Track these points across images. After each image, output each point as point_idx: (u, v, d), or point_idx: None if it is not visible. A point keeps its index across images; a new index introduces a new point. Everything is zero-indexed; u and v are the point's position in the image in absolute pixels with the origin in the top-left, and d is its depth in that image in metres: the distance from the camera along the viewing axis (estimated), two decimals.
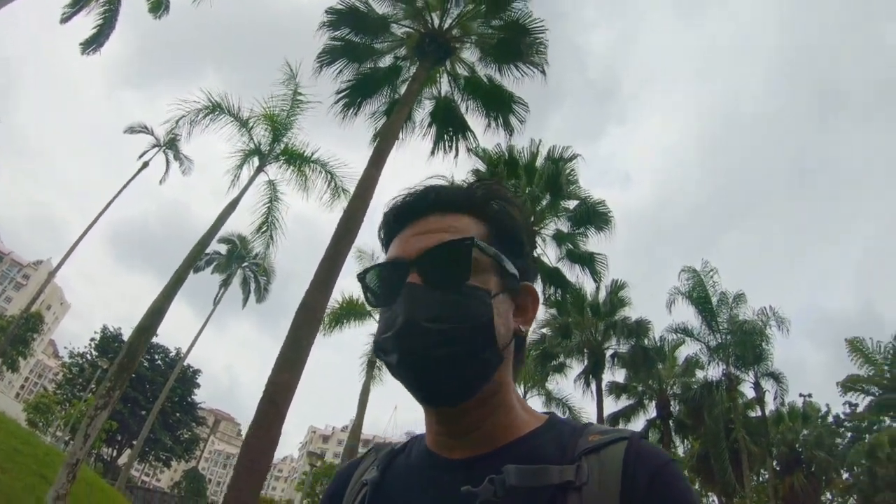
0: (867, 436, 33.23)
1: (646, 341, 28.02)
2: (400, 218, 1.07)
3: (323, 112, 16.33)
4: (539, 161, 20.94)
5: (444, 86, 16.25)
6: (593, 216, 20.80)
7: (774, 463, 29.66)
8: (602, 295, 27.87)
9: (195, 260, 16.87)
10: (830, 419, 36.43)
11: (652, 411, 30.69)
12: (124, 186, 30.01)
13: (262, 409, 8.86)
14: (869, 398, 33.29)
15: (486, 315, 0.95)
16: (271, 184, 19.22)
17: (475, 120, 16.27)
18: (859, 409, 34.87)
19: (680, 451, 32.26)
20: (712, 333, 26.99)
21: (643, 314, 29.29)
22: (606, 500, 0.84)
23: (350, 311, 24.94)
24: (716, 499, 32.63)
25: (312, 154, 18.28)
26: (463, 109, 16.29)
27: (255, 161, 18.77)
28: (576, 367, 28.40)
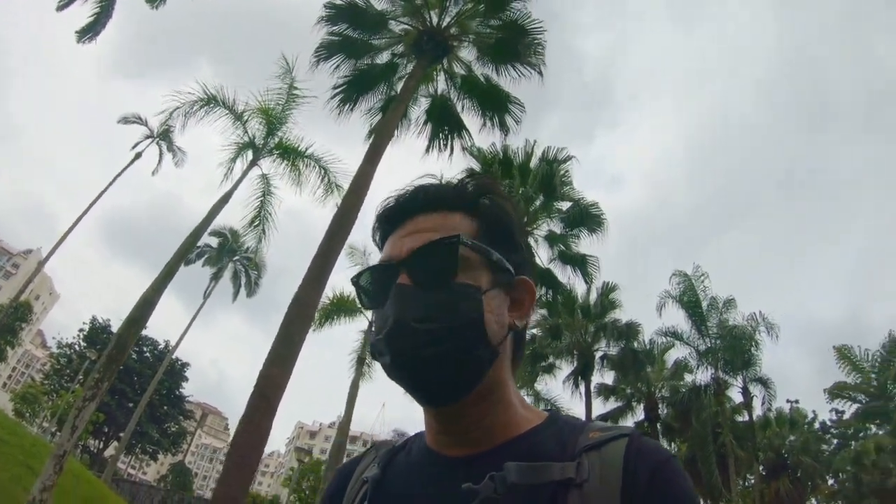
0: (853, 443, 33.50)
1: (635, 344, 28.07)
2: (391, 219, 1.07)
3: (318, 107, 16.31)
4: (533, 162, 20.93)
5: (441, 84, 16.21)
6: (586, 218, 20.83)
7: (761, 468, 29.84)
8: (593, 297, 27.90)
9: (187, 252, 16.82)
10: (817, 425, 36.74)
11: (640, 414, 30.74)
12: (116, 177, 29.95)
13: (253, 404, 8.80)
14: (856, 405, 33.60)
15: (476, 312, 0.95)
16: (265, 178, 19.21)
17: (471, 119, 16.26)
18: (846, 416, 35.19)
19: None
20: (702, 338, 27.11)
21: (633, 317, 29.50)
22: (607, 497, 0.84)
23: (340, 308, 24.90)
24: (702, 502, 32.77)
25: (307, 149, 18.24)
26: (459, 108, 16.26)
27: (249, 154, 18.74)
28: (565, 368, 28.41)
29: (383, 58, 15.65)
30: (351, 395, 23.94)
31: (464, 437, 0.99)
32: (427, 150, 16.56)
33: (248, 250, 33.81)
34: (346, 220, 11.48)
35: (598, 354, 28.33)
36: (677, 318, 30.32)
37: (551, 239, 20.70)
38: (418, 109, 16.46)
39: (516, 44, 14.73)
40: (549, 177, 20.12)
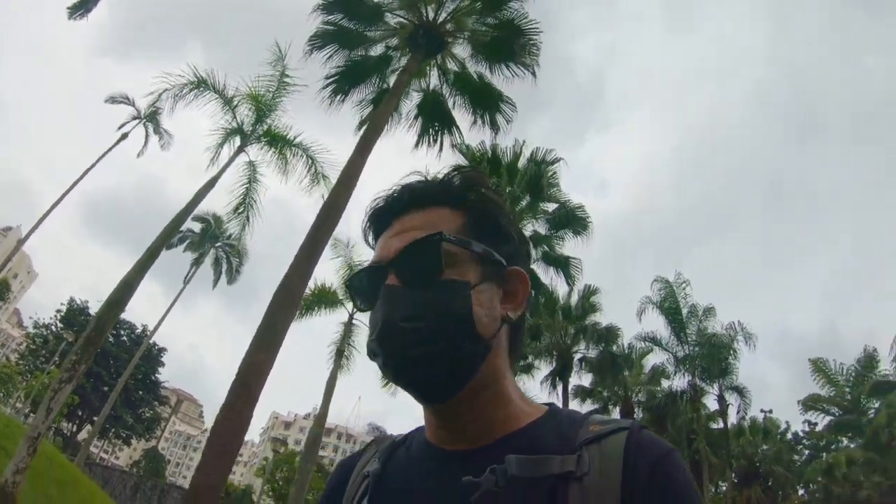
0: (825, 454, 33.96)
1: (614, 347, 28.22)
2: (381, 219, 1.08)
3: (308, 97, 16.22)
4: (522, 162, 20.97)
5: (434, 79, 16.18)
6: (572, 220, 20.92)
7: (733, 475, 30.14)
8: (574, 299, 27.98)
9: (170, 236, 16.71)
10: (790, 436, 37.18)
11: (616, 417, 30.89)
12: (101, 157, 29.61)
13: (235, 391, 8.73)
14: (828, 418, 34.05)
15: (464, 307, 0.95)
16: (251, 165, 19.07)
17: (461, 116, 16.26)
18: (818, 428, 35.66)
19: None
20: (680, 344, 27.35)
21: (613, 321, 29.56)
22: (608, 490, 0.84)
23: (321, 299, 24.81)
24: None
25: (295, 137, 18.13)
26: (450, 105, 16.24)
27: (237, 141, 18.58)
28: (544, 368, 28.49)
29: (377, 50, 15.61)
30: (329, 388, 23.87)
31: (463, 432, 0.99)
32: (416, 144, 16.56)
33: (231, 237, 33.61)
34: (335, 211, 11.44)
35: (577, 356, 28.45)
36: (657, 323, 30.54)
37: (536, 240, 20.74)
38: (409, 104, 16.46)
39: (511, 43, 14.75)
40: (536, 177, 20.18)
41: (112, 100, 27.44)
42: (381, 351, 0.96)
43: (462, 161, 19.64)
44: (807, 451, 37.49)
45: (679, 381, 27.70)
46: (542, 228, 21.11)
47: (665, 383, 29.90)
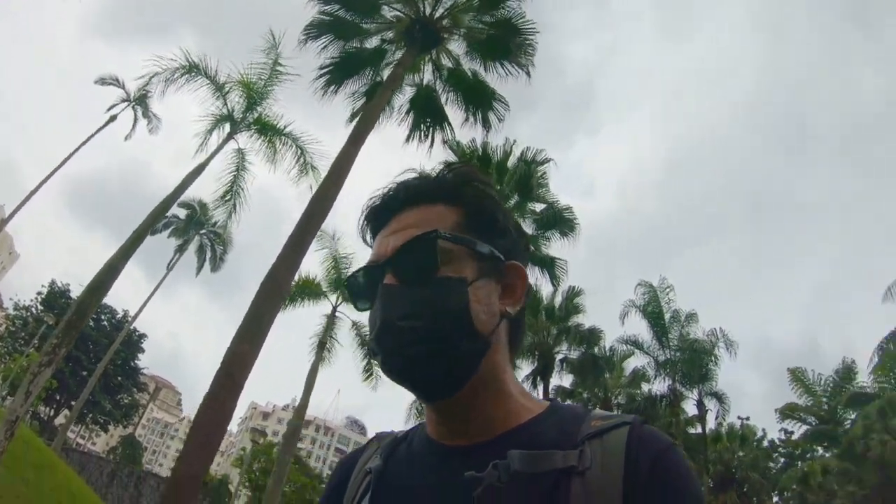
0: (800, 462, 34.36)
1: (596, 349, 28.33)
2: (378, 218, 1.08)
3: (300, 87, 16.16)
4: (511, 161, 21.06)
5: (428, 75, 16.14)
6: (559, 221, 21.03)
7: (710, 480, 30.37)
8: (558, 299, 28.03)
9: (156, 221, 16.61)
10: (766, 443, 37.54)
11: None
12: (88, 139, 29.18)
13: (219, 381, 8.65)
14: (805, 427, 34.45)
15: (461, 304, 0.95)
16: (240, 152, 18.97)
17: (453, 113, 16.25)
18: (794, 437, 36.06)
19: None
20: (662, 349, 27.50)
21: (596, 323, 29.66)
22: (610, 485, 0.85)
23: (304, 291, 24.72)
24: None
25: (285, 127, 18.05)
26: (443, 100, 16.22)
27: (227, 128, 18.49)
28: (525, 367, 28.51)
29: (372, 42, 15.52)
30: (309, 380, 23.78)
31: (464, 428, 0.99)
32: (407, 139, 16.54)
33: (216, 225, 33.34)
34: (325, 202, 11.39)
35: (559, 357, 28.51)
36: (639, 327, 30.74)
37: None
38: (402, 98, 16.42)
39: (507, 42, 14.76)
40: (526, 177, 20.25)
41: (102, 81, 27.19)
42: (381, 350, 0.96)
43: (452, 158, 19.68)
44: (782, 459, 37.91)
45: (659, 386, 27.88)
46: (529, 228, 21.14)
47: (645, 387, 30.10)
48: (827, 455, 31.68)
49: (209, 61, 17.62)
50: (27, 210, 30.22)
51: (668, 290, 28.20)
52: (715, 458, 31.46)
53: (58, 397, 49.06)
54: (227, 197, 18.97)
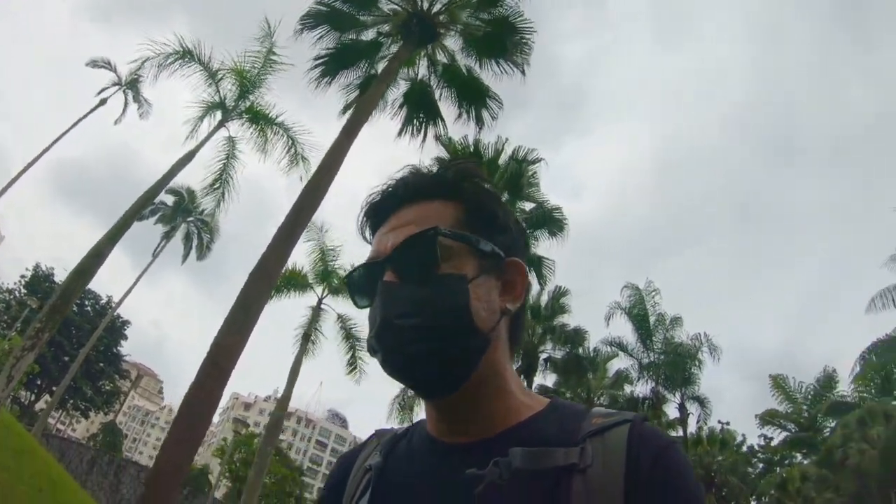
0: (778, 468, 34.65)
1: (580, 350, 28.41)
2: (377, 214, 1.07)
3: (294, 77, 16.09)
4: (503, 159, 21.04)
5: (422, 70, 16.13)
6: (548, 221, 21.08)
7: None
8: (544, 299, 28.10)
9: (144, 206, 16.49)
10: (745, 448, 37.83)
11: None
12: (77, 122, 28.94)
13: (205, 370, 8.60)
14: (784, 434, 34.75)
15: (461, 301, 0.94)
16: (231, 140, 18.89)
17: (447, 108, 16.26)
18: (774, 443, 36.37)
19: None
20: (646, 351, 27.67)
21: (581, 323, 29.77)
22: (610, 482, 0.84)
23: (291, 282, 24.64)
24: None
25: (277, 116, 18.00)
26: (437, 96, 16.22)
27: (218, 115, 18.41)
28: None
29: (368, 35, 15.49)
30: (293, 372, 23.72)
31: (464, 426, 0.98)
32: (400, 133, 16.53)
33: (204, 212, 33.15)
34: (318, 193, 11.35)
35: (543, 356, 28.60)
36: (624, 329, 30.87)
37: None
38: (396, 92, 16.39)
39: (504, 40, 14.76)
40: (517, 176, 20.27)
41: (94, 63, 26.98)
42: (381, 347, 0.95)
43: (444, 153, 19.68)
44: (761, 465, 38.20)
45: (642, 388, 28.08)
46: None
47: (628, 389, 30.16)
48: (805, 462, 31.96)
49: (203, 48, 17.57)
50: (13, 192, 29.91)
51: (653, 293, 28.40)
52: (695, 462, 31.64)
53: (39, 382, 48.61)
54: (216, 185, 18.90)
